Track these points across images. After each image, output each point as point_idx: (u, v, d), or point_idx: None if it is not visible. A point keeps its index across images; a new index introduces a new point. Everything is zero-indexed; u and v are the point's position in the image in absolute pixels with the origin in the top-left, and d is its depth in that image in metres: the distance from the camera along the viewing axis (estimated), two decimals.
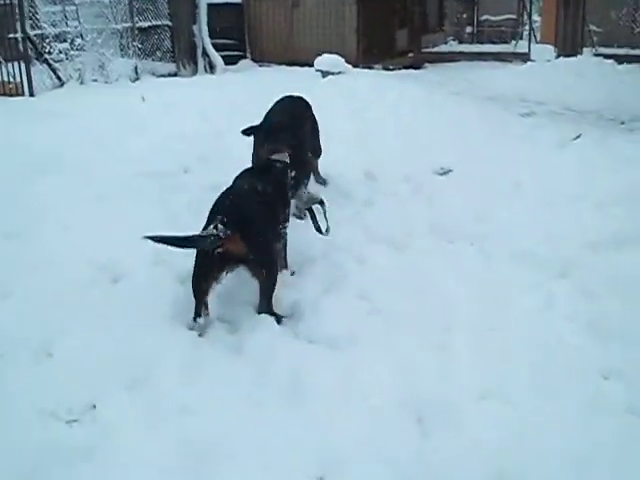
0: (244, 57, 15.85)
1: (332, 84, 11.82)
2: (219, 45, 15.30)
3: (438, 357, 3.73)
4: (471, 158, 7.08)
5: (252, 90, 11.28)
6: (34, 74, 11.85)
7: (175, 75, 14.86)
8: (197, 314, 3.94)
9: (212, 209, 4.00)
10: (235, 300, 4.19)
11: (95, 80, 13.01)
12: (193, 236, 3.80)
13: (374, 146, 7.62)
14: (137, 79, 13.85)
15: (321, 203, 4.85)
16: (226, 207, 3.95)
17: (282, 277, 4.40)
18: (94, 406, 3.32)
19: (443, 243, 5.15)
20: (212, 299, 4.02)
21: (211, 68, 15.25)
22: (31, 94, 11.66)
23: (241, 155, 6.06)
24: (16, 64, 11.67)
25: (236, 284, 4.18)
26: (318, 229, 4.71)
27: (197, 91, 11.96)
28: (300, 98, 6.16)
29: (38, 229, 5.37)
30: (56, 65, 12.40)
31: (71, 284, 4.40)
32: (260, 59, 15.75)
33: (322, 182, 6.23)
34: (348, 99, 10.41)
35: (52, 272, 4.59)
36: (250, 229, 3.88)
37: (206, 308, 3.96)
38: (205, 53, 15.25)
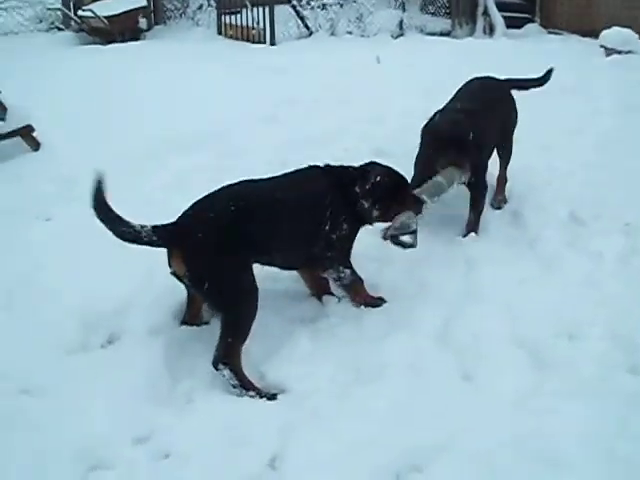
0: (531, 21, 13.59)
1: (614, 65, 9.49)
2: (503, 4, 13.24)
3: None
4: None
5: (515, 64, 9.33)
6: (280, 21, 10.98)
7: (448, 34, 13.12)
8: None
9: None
10: None
11: (350, 32, 11.86)
12: (124, 220, 3.08)
13: (601, 166, 5.57)
14: (401, 35, 12.45)
15: (413, 233, 3.77)
16: (186, 214, 3.25)
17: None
18: None
19: (621, 373, 3.17)
20: None
21: (491, 30, 13.29)
22: (272, 43, 10.84)
23: None
24: (262, 10, 10.89)
25: None
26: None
27: (453, 56, 10.25)
28: (499, 83, 5.06)
29: None
30: (305, 13, 11.42)
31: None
32: (550, 25, 13.39)
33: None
34: (616, 89, 8.10)
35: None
36: (195, 249, 3.09)
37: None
38: (486, 12, 13.30)
